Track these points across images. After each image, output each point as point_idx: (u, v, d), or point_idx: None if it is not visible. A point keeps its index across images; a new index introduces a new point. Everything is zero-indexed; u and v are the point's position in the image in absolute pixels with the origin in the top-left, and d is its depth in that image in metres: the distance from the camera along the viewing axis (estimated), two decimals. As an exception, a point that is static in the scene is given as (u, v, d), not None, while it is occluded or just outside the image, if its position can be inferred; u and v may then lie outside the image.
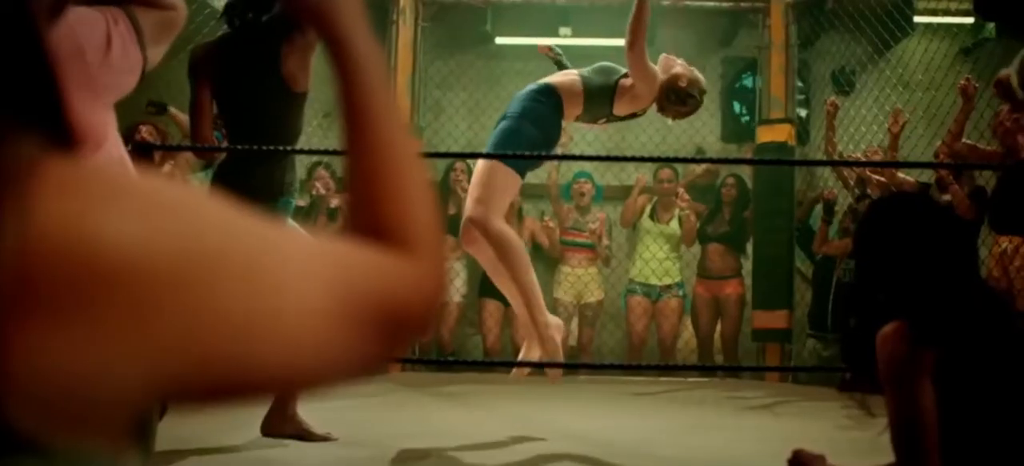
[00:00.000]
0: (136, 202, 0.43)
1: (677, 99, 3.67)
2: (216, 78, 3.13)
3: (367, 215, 0.60)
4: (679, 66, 3.68)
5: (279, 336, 0.47)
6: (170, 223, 0.43)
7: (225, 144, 3.31)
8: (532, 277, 3.44)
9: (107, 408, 0.41)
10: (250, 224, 0.48)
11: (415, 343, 5.13)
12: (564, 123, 3.69)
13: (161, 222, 0.43)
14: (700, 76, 3.72)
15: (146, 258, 0.41)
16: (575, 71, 3.72)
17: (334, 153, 4.44)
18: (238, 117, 3.20)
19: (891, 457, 1.61)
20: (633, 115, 3.79)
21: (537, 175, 6.40)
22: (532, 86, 3.65)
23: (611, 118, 3.74)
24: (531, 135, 3.53)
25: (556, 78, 3.68)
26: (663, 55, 3.76)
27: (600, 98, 3.64)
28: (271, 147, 3.10)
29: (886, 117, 5.47)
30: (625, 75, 3.63)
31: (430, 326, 0.58)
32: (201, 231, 0.45)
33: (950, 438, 1.54)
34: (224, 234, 0.46)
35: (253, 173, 3.09)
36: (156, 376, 0.42)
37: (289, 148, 3.15)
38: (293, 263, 0.49)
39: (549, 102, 3.60)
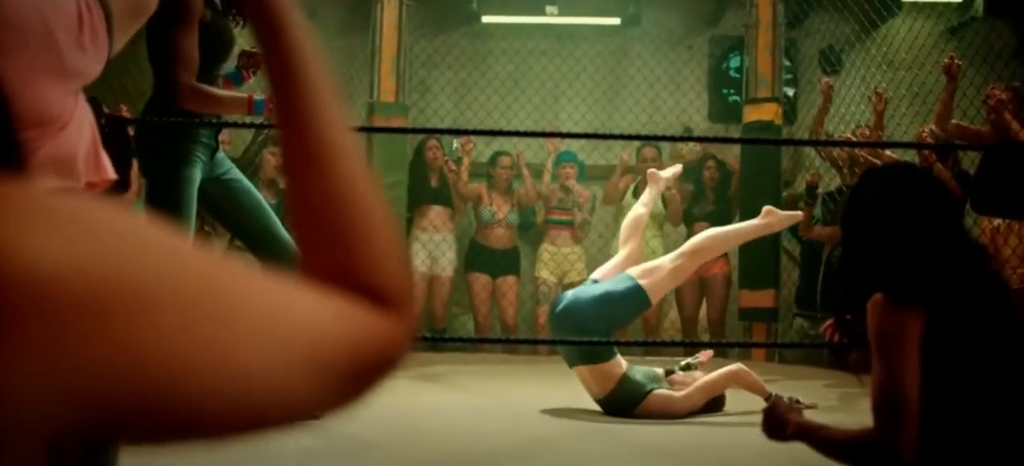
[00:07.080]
0: (63, 220, 0.39)
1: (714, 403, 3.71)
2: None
3: (331, 261, 0.54)
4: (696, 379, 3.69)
5: (233, 375, 0.43)
6: (100, 244, 0.39)
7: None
8: None
9: (18, 438, 0.37)
10: (202, 256, 0.44)
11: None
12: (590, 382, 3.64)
13: (88, 241, 0.39)
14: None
15: (66, 278, 0.37)
16: (625, 362, 3.66)
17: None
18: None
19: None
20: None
21: (537, 155, 6.44)
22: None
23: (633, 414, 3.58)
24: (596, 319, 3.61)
25: (618, 356, 3.62)
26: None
27: (627, 396, 3.58)
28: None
29: (872, 96, 5.46)
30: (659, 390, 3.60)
31: (396, 370, 0.53)
32: (138, 255, 0.41)
33: (935, 403, 1.53)
34: (168, 261, 0.42)
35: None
36: (80, 407, 0.38)
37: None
38: (254, 299, 0.45)
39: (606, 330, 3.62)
